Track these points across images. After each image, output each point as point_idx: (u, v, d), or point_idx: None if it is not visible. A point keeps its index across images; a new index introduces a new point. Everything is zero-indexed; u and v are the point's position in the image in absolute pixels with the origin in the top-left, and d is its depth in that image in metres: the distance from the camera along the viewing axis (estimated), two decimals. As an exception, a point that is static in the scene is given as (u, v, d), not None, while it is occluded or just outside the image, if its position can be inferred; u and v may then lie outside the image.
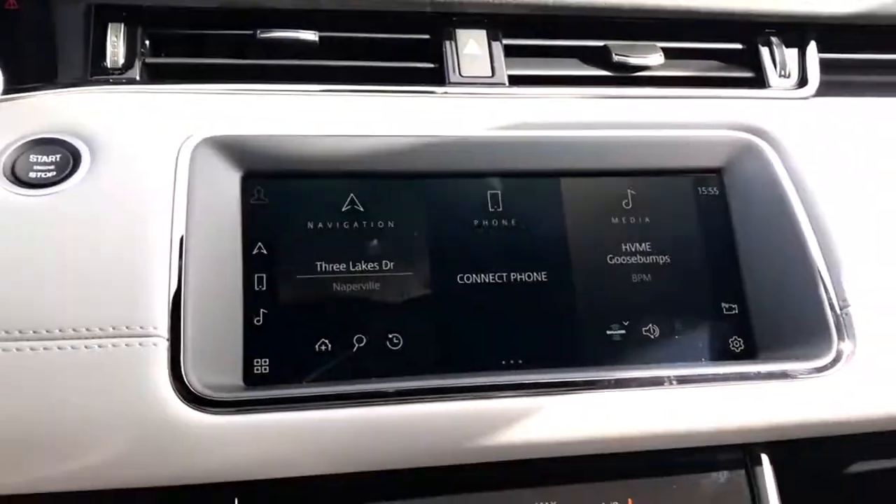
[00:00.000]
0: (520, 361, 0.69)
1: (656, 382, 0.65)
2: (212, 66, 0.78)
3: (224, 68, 0.78)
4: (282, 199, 0.70)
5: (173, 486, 0.61)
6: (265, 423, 0.60)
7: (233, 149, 0.69)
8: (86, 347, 0.58)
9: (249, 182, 0.69)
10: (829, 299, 0.70)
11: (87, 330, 0.58)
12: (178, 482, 0.61)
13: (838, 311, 0.69)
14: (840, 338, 0.69)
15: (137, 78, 0.75)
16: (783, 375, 0.67)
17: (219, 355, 0.63)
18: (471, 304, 0.70)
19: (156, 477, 0.60)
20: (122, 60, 0.75)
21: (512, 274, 0.71)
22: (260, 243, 0.68)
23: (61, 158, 0.65)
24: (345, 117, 0.73)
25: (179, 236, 0.63)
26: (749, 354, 0.72)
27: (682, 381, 0.66)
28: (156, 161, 0.66)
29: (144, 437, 0.58)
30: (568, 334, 0.70)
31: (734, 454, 0.73)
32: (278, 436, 0.60)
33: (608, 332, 0.71)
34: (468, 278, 0.70)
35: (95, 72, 0.74)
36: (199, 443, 0.58)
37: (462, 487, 0.67)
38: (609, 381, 0.65)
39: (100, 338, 0.58)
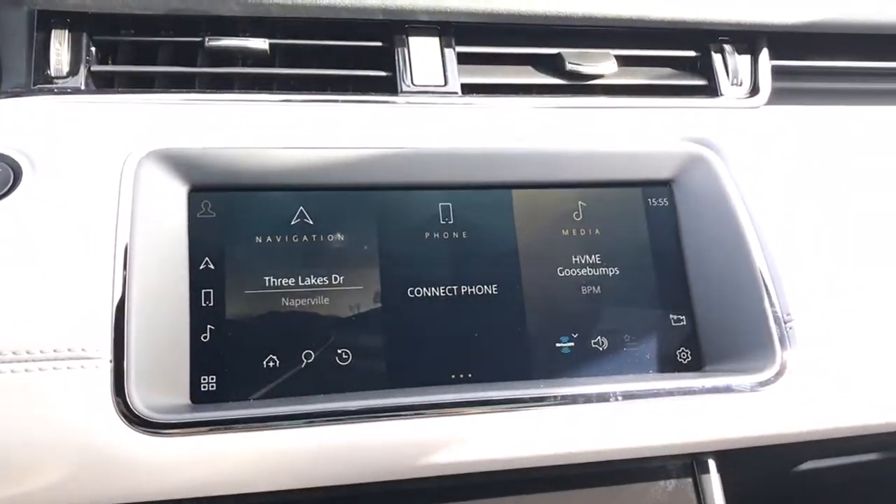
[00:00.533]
0: (469, 375, 0.69)
1: (602, 398, 0.66)
2: (160, 74, 0.76)
3: (172, 76, 0.77)
4: (229, 213, 0.69)
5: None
6: (212, 444, 0.59)
7: (179, 162, 0.68)
8: (25, 371, 0.57)
9: (196, 196, 0.69)
10: (774, 312, 0.71)
11: (28, 353, 0.58)
12: (124, 501, 0.60)
13: (782, 325, 0.71)
14: (784, 350, 0.70)
15: (83, 87, 0.73)
16: (728, 389, 0.68)
17: (164, 374, 0.62)
18: (421, 318, 0.70)
19: (101, 498, 0.59)
20: (66, 68, 0.74)
21: (462, 287, 0.71)
22: (207, 258, 0.67)
23: (1, 173, 0.64)
24: (295, 127, 0.73)
25: (123, 253, 0.63)
26: (697, 366, 0.73)
27: (628, 396, 0.66)
28: (99, 176, 0.65)
29: (87, 463, 0.57)
30: (517, 347, 0.71)
31: (682, 462, 0.74)
32: (225, 457, 0.60)
33: (557, 345, 0.71)
34: (418, 292, 0.70)
35: (38, 80, 0.73)
36: (144, 466, 0.58)
37: (409, 501, 0.67)
38: (556, 396, 0.65)
39: (40, 360, 0.58)
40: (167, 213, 0.67)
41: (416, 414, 0.63)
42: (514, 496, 0.70)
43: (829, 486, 0.96)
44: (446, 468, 0.65)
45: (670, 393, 0.67)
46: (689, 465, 0.74)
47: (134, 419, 0.58)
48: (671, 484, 0.73)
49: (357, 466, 0.63)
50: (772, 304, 0.71)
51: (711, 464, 0.74)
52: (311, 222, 0.70)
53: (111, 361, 0.59)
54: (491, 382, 0.68)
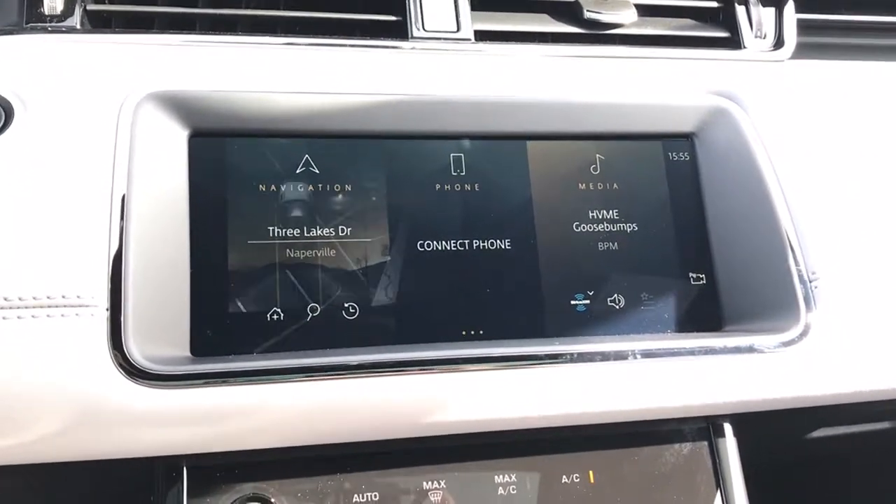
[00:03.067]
0: (480, 332, 0.66)
1: (620, 356, 0.63)
2: (159, 15, 0.73)
3: (172, 17, 0.73)
4: (232, 160, 0.66)
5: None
6: (213, 398, 0.57)
7: (180, 105, 0.65)
8: (18, 318, 0.54)
9: (197, 141, 0.65)
10: (799, 271, 0.68)
11: (20, 299, 0.55)
12: (119, 456, 0.58)
13: (807, 283, 0.68)
14: (808, 310, 0.67)
15: (78, 26, 0.70)
16: (750, 349, 0.65)
17: (163, 325, 0.60)
18: (431, 273, 0.67)
19: (97, 452, 0.57)
20: (60, 7, 0.70)
21: (474, 241, 0.68)
22: (208, 206, 0.64)
23: (-8, 112, 0.61)
24: (301, 72, 0.70)
25: (120, 199, 0.60)
26: (716, 325, 0.70)
27: (647, 354, 0.64)
28: (95, 117, 0.62)
29: (83, 414, 0.55)
30: (531, 304, 0.68)
31: (697, 425, 0.71)
32: (227, 412, 0.57)
33: (572, 303, 0.69)
34: (429, 245, 0.67)
35: (31, 18, 0.69)
36: (141, 419, 0.56)
37: (417, 460, 0.65)
38: (572, 354, 0.63)
39: (33, 307, 0.55)
40: (167, 158, 0.64)
41: (424, 370, 0.61)
42: (524, 457, 0.67)
43: (842, 456, 0.94)
44: (455, 427, 0.62)
45: (691, 352, 0.65)
46: (704, 428, 0.71)
47: (131, 370, 0.55)
48: (686, 447, 0.71)
49: (363, 423, 0.61)
50: (796, 263, 0.68)
51: (728, 428, 0.72)
52: (318, 171, 0.67)
53: (107, 310, 0.56)
54: (503, 339, 0.66)
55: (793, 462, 0.97)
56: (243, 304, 0.63)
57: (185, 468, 0.61)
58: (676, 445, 0.70)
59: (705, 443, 0.71)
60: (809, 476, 1.01)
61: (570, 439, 0.68)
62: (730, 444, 0.71)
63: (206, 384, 0.57)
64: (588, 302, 0.69)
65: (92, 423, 0.55)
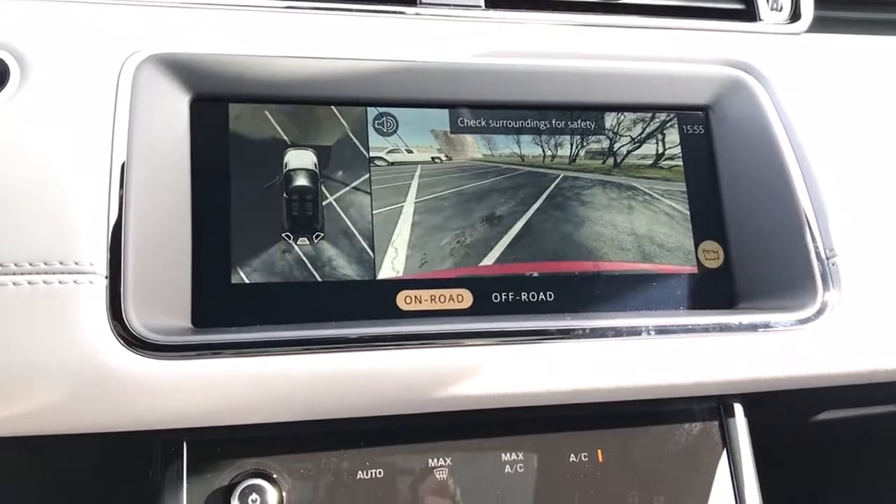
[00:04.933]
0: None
1: (633, 332, 0.62)
2: (160, -24, 0.71)
3: (174, -22, 0.71)
4: (234, 126, 0.64)
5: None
6: (214, 369, 0.55)
7: (182, 68, 0.63)
8: (14, 284, 0.53)
9: (199, 106, 0.63)
10: (816, 248, 0.66)
11: (16, 265, 0.53)
12: (118, 429, 0.56)
13: (825, 261, 0.66)
14: (826, 288, 0.65)
15: (77, -14, 0.67)
16: (765, 327, 0.64)
17: (164, 294, 0.58)
18: (442, 246, 0.65)
19: (94, 424, 0.55)
20: (59, -35, 0.68)
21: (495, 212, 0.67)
22: (211, 173, 0.62)
23: (-13, 73, 0.59)
24: (306, 38, 0.67)
25: (120, 163, 0.58)
26: (730, 303, 0.69)
27: (661, 331, 0.62)
28: (95, 79, 0.60)
29: (80, 384, 0.53)
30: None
31: (708, 404, 0.70)
32: (228, 384, 0.55)
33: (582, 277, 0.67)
34: (437, 218, 0.66)
35: (28, -22, 0.67)
36: (141, 390, 0.54)
37: (422, 437, 0.64)
38: (584, 329, 0.61)
39: (30, 274, 0.53)
40: (168, 122, 0.62)
41: (430, 344, 0.59)
42: (531, 435, 0.66)
43: (854, 438, 0.93)
44: (461, 402, 0.61)
45: (705, 329, 0.63)
46: (715, 408, 0.70)
47: (131, 340, 0.54)
48: (696, 427, 0.69)
49: (368, 398, 0.59)
50: (814, 240, 0.67)
51: (738, 408, 0.70)
52: (323, 138, 0.65)
53: (107, 277, 0.54)
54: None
55: (804, 444, 0.96)
56: (246, 274, 0.61)
57: (185, 443, 0.60)
58: (686, 425, 0.69)
59: (716, 423, 0.70)
60: (820, 458, 1.00)
61: (578, 417, 0.67)
62: (740, 425, 0.70)
63: (208, 356, 0.55)
64: (599, 277, 0.67)
65: (90, 395, 0.53)
